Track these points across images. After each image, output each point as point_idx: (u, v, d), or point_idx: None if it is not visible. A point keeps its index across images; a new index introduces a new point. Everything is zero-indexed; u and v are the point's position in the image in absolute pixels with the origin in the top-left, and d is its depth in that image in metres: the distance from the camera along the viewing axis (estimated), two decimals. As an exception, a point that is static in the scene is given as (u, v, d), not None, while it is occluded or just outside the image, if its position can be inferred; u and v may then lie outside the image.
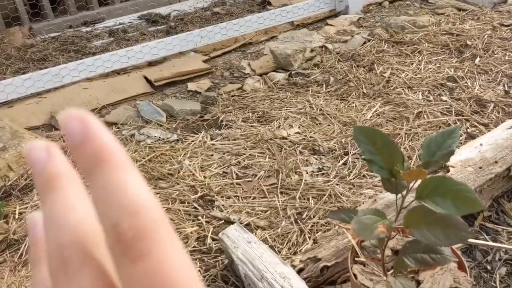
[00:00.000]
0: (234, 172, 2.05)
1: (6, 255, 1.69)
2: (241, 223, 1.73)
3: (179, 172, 2.07)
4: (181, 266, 0.19)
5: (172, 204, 1.88)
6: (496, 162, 1.76)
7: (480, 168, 1.73)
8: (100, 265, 0.20)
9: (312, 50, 3.19)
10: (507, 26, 3.22)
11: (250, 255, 1.44)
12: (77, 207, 0.20)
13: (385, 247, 1.20)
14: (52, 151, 0.23)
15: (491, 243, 1.65)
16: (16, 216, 1.86)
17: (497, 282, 1.52)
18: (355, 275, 1.24)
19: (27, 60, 3.37)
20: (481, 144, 1.83)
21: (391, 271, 1.26)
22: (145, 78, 3.02)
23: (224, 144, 2.28)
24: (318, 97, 2.65)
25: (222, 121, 2.51)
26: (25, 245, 1.71)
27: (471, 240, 1.65)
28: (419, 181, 1.09)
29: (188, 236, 1.70)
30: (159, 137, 2.36)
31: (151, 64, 3.25)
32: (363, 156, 1.12)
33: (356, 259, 1.30)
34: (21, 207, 1.91)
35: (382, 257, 1.22)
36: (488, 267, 1.58)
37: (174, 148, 2.26)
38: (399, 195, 1.16)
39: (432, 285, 1.20)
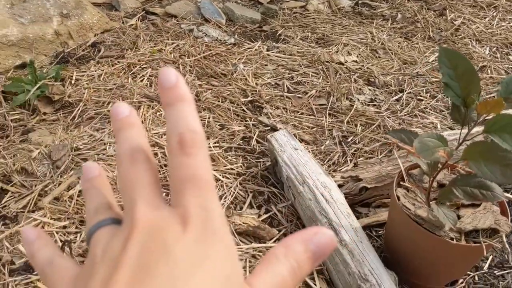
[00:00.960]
0: (286, 85, 2.05)
1: (60, 114, 1.75)
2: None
3: (232, 74, 2.07)
4: (208, 170, 0.28)
5: (222, 102, 1.90)
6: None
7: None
8: None
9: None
10: None
11: (295, 160, 1.46)
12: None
13: (436, 174, 1.21)
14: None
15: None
16: (72, 81, 1.91)
17: (527, 240, 1.53)
18: (398, 197, 1.26)
19: None
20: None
21: (433, 201, 1.28)
22: (209, -22, 2.95)
23: (280, 57, 2.25)
24: (382, 31, 2.57)
25: (280, 35, 2.47)
26: (78, 109, 1.77)
27: None
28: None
29: (235, 133, 1.73)
30: (217, 38, 2.34)
31: (216, -34, 3.16)
32: (441, 80, 1.10)
33: (401, 183, 1.32)
34: (78, 74, 1.95)
35: (430, 185, 1.23)
36: (521, 225, 1.58)
37: (230, 50, 2.25)
38: (465, 127, 1.15)
39: (472, 221, 1.21)
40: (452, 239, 1.18)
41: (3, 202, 1.39)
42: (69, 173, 1.47)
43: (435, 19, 2.68)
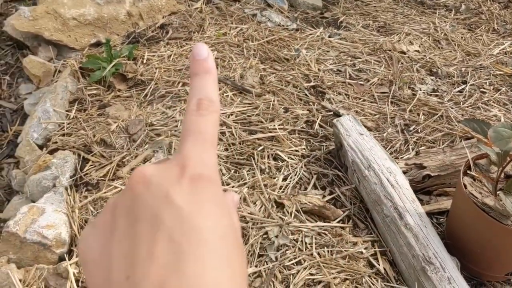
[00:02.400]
0: (348, 72, 2.07)
1: (133, 92, 1.85)
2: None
3: (295, 59, 2.11)
4: (213, 131, 0.33)
5: (285, 86, 1.95)
6: None
7: None
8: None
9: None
10: None
11: (361, 145, 1.50)
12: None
13: (507, 165, 1.22)
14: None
15: None
16: (144, 61, 2.00)
17: None
18: (465, 185, 1.28)
19: None
20: None
21: (500, 191, 1.29)
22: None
23: (342, 44, 2.28)
24: (444, 21, 2.54)
25: (341, 22, 2.48)
26: (150, 87, 1.86)
27: None
28: None
29: (298, 117, 1.78)
30: (279, 23, 2.38)
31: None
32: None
33: (468, 172, 1.34)
34: (149, 54, 2.04)
35: (498, 175, 1.24)
36: None
37: (293, 36, 2.29)
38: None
39: (541, 213, 1.22)
40: (519, 229, 1.19)
41: (84, 170, 1.50)
42: (144, 146, 1.57)
43: (500, 11, 2.62)
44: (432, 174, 1.52)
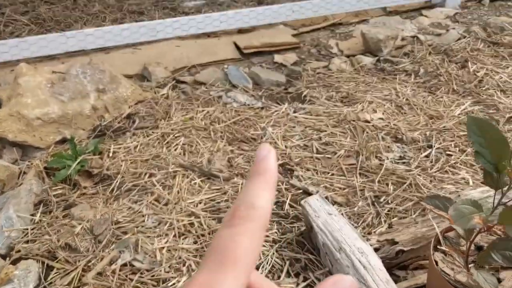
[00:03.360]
0: (315, 146, 2.09)
1: (99, 188, 1.83)
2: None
3: (262, 138, 2.13)
4: (242, 247, 0.28)
5: (253, 167, 1.95)
6: None
7: None
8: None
9: (403, 39, 3.13)
10: None
11: (330, 226, 1.48)
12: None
13: (473, 239, 1.21)
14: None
15: None
16: (110, 154, 2.00)
17: None
18: (436, 262, 1.26)
19: (124, 11, 3.53)
20: None
21: (472, 264, 1.27)
22: (235, 44, 3.09)
23: (307, 118, 2.31)
24: (405, 86, 2.62)
25: (305, 96, 2.54)
26: (117, 181, 1.84)
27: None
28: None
29: (268, 199, 1.76)
30: (245, 102, 2.43)
31: (240, 31, 3.31)
32: (472, 148, 1.12)
33: (438, 247, 1.32)
34: (115, 146, 2.04)
35: (468, 249, 1.23)
36: None
37: (259, 114, 2.33)
38: (499, 191, 1.16)
39: (515, 285, 1.20)
40: (496, 305, 1.16)
41: (49, 279, 1.44)
42: (110, 247, 1.52)
43: (457, 71, 2.72)
44: (405, 249, 1.49)
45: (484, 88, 2.55)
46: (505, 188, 1.15)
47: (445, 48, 2.98)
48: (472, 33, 3.15)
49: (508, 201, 1.14)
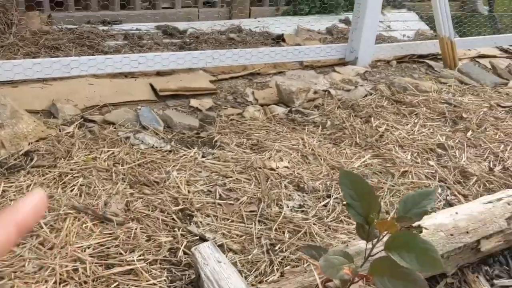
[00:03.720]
0: (218, 192, 2.10)
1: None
2: (215, 243, 1.77)
3: (165, 182, 2.11)
4: None
5: (152, 211, 1.91)
6: (467, 232, 1.82)
7: (452, 235, 1.79)
8: None
9: (315, 92, 3.29)
10: (504, 107, 3.35)
11: (218, 275, 1.47)
12: None
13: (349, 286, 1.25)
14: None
15: (449, 308, 1.70)
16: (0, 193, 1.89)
17: None
18: (314, 312, 1.28)
19: (40, 46, 3.45)
20: (456, 213, 1.89)
21: (349, 315, 1.30)
22: (151, 86, 3.09)
23: (214, 164, 2.33)
24: (312, 137, 2.73)
25: (216, 141, 2.57)
26: (2, 222, 1.73)
27: (430, 302, 1.70)
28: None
29: (161, 245, 1.73)
30: (153, 145, 2.41)
31: (159, 74, 3.33)
32: (344, 200, 1.18)
33: (318, 297, 1.35)
34: (6, 185, 1.93)
35: (344, 300, 1.27)
36: (442, 332, 1.62)
37: (165, 158, 2.32)
38: (370, 242, 1.22)
39: (384, 335, 1.24)
40: None
41: None
42: (-19, 293, 1.41)
43: (361, 126, 2.88)
44: (291, 298, 1.51)
45: (384, 143, 2.71)
46: (375, 240, 1.21)
47: (352, 103, 3.16)
48: (378, 91, 3.38)
49: (377, 253, 1.20)
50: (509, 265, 1.97)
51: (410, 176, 2.42)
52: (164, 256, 1.68)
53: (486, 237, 1.88)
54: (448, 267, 1.84)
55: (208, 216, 1.95)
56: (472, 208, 1.95)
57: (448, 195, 2.31)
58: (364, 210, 1.18)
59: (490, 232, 1.88)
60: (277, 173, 2.32)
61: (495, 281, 1.87)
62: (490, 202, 2.00)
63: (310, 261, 1.25)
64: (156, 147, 2.40)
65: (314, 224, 1.97)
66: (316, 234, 1.91)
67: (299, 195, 2.18)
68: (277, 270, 1.72)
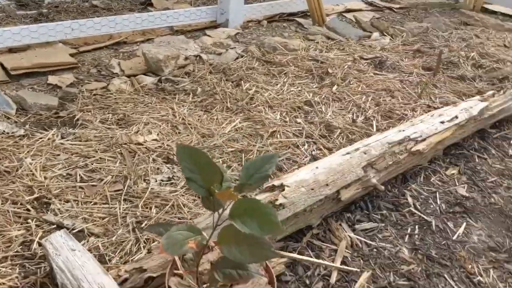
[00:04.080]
0: (79, 174, 1.99)
1: None
2: (74, 229, 1.68)
3: (17, 171, 1.94)
4: None
5: (2, 204, 1.76)
6: (327, 185, 1.91)
7: (312, 189, 1.87)
8: None
9: (186, 58, 3.21)
10: (366, 59, 3.54)
11: (71, 264, 1.40)
12: None
13: (199, 260, 1.25)
14: None
15: (312, 259, 1.79)
16: None
17: (313, 296, 1.65)
18: (169, 287, 1.27)
19: None
20: (317, 167, 1.97)
21: (208, 284, 1.31)
22: (1, 65, 2.80)
23: (75, 144, 2.19)
24: (183, 106, 2.67)
25: (78, 120, 2.41)
26: None
27: (294, 256, 1.78)
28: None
29: (12, 240, 1.60)
30: (3, 131, 2.20)
31: (12, 50, 3.02)
32: (183, 174, 1.16)
33: (175, 271, 1.34)
34: None
35: (197, 270, 1.27)
36: (307, 282, 1.71)
37: (18, 144, 2.13)
38: (216, 213, 1.22)
39: (240, 299, 1.27)
40: (221, 322, 1.22)
41: None
42: None
43: (232, 90, 2.88)
44: (155, 275, 1.48)
45: (254, 105, 2.74)
46: (221, 210, 1.21)
47: (224, 67, 3.14)
48: (249, 53, 3.38)
49: (223, 222, 1.20)
50: (369, 209, 2.12)
51: (278, 135, 2.48)
52: (16, 251, 1.56)
53: (345, 187, 1.99)
54: (313, 219, 1.93)
55: (67, 201, 1.84)
56: (331, 161, 2.05)
57: (314, 150, 2.41)
58: (205, 182, 1.17)
59: (349, 181, 1.99)
60: (145, 147, 2.25)
61: (356, 226, 2.01)
62: (348, 153, 2.11)
63: (158, 239, 1.22)
64: (8, 133, 2.20)
65: (182, 195, 1.95)
66: (184, 205, 1.89)
67: (168, 168, 2.13)
68: (144, 247, 1.68)
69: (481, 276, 1.83)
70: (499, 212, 2.19)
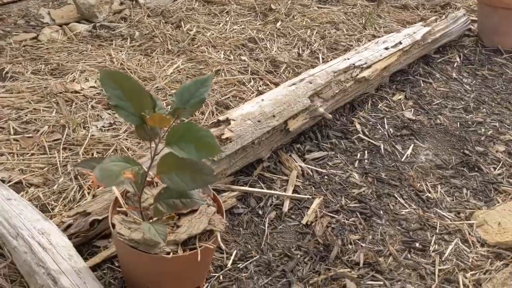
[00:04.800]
0: (12, 127, 1.87)
1: None
2: (10, 182, 1.59)
3: None
4: None
5: None
6: (274, 116, 1.88)
7: (259, 121, 1.83)
8: None
9: (121, 3, 3.04)
10: (310, -6, 3.45)
11: (8, 213, 1.32)
12: None
13: (140, 193, 1.20)
14: None
15: (263, 190, 1.78)
16: None
17: (266, 225, 1.65)
18: (113, 225, 1.22)
19: None
20: (262, 100, 1.93)
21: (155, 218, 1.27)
22: None
23: (5, 97, 2.05)
24: (120, 51, 2.54)
25: (7, 72, 2.25)
26: None
27: (245, 188, 1.76)
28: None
29: None
30: None
31: None
32: (110, 102, 1.08)
33: (119, 209, 1.28)
34: None
35: (139, 204, 1.22)
36: (260, 212, 1.70)
37: None
38: (153, 142, 1.16)
39: (188, 229, 1.23)
40: (169, 253, 1.18)
41: None
42: None
43: (172, 32, 2.76)
44: (100, 218, 1.43)
45: (196, 46, 2.64)
46: (158, 139, 1.15)
47: (162, 10, 2.99)
48: (188, -6, 3.23)
49: (160, 151, 1.15)
50: (318, 139, 2.11)
51: (223, 74, 2.40)
52: None
53: (292, 117, 1.96)
54: (262, 152, 1.91)
55: (1, 155, 1.73)
56: (277, 92, 2.01)
57: (260, 86, 2.36)
58: (136, 109, 1.10)
59: (296, 111, 1.96)
60: (83, 95, 2.13)
61: (306, 156, 2.00)
62: (294, 84, 2.08)
63: (91, 173, 1.16)
64: None
65: (125, 139, 1.87)
66: (128, 148, 1.82)
67: (109, 114, 2.04)
68: (88, 193, 1.61)
69: (429, 192, 1.87)
70: (445, 131, 2.24)
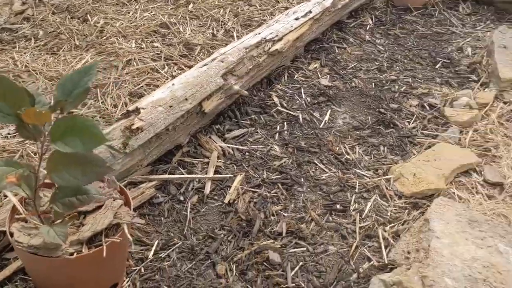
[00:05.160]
0: None
1: None
2: None
3: None
4: None
5: None
6: (186, 99, 1.84)
7: (171, 106, 1.79)
8: None
9: (23, 3, 2.87)
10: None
11: None
12: None
13: (34, 197, 1.14)
14: None
15: (182, 176, 1.75)
16: None
17: (188, 210, 1.62)
18: (12, 234, 1.16)
19: None
20: (173, 84, 1.89)
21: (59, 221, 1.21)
22: None
23: None
24: (25, 53, 2.41)
25: None
26: None
27: (162, 177, 1.72)
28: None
29: None
30: None
31: None
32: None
33: (17, 216, 1.22)
34: None
35: (35, 208, 1.16)
36: (181, 198, 1.67)
37: None
38: (39, 141, 1.10)
39: (92, 226, 1.19)
40: (73, 253, 1.13)
41: None
42: None
43: (79, 26, 2.64)
44: (4, 229, 1.35)
45: (105, 38, 2.54)
46: (43, 137, 1.09)
47: (67, 5, 2.86)
48: (94, -15, 3.11)
49: (47, 149, 1.09)
50: (237, 117, 2.10)
51: (135, 63, 2.33)
52: None
53: (206, 98, 1.93)
54: (180, 138, 1.87)
55: None
56: (187, 75, 1.97)
57: (175, 71, 2.31)
58: (12, 109, 1.04)
59: (209, 92, 1.93)
60: (-16, 103, 2.00)
61: (226, 135, 1.98)
62: (205, 65, 2.04)
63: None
64: None
65: (32, 143, 1.78)
66: (35, 153, 1.73)
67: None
68: (-5, 205, 1.52)
69: (348, 154, 1.91)
70: (360, 93, 2.28)
